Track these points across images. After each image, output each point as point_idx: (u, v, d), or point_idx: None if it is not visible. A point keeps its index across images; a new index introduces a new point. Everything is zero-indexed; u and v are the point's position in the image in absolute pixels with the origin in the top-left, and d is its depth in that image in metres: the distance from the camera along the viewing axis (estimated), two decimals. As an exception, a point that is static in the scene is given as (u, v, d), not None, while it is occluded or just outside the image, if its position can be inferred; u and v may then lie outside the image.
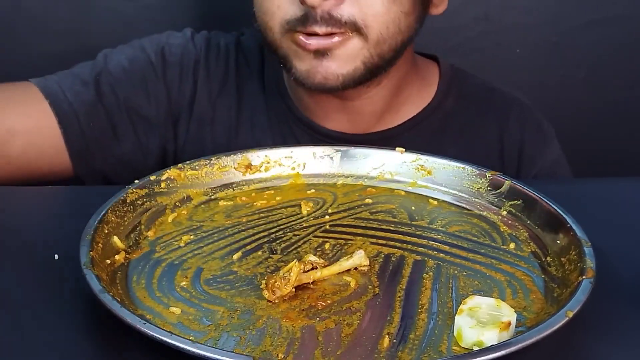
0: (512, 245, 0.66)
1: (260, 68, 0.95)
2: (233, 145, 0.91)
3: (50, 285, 0.59)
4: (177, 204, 0.71)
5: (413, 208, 0.73)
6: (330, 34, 0.77)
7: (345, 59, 0.79)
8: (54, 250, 0.63)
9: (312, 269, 0.60)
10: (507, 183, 0.71)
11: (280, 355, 0.50)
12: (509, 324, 0.52)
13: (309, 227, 0.69)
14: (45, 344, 0.52)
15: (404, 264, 0.63)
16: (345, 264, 0.61)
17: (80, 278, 0.54)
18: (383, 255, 0.64)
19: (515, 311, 0.53)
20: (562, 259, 0.61)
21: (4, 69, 1.06)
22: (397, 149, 0.77)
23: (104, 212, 0.62)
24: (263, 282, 0.58)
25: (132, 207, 0.66)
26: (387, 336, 0.53)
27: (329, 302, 0.57)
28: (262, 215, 0.71)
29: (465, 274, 0.62)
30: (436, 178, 0.76)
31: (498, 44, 1.30)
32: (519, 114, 0.96)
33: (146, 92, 0.91)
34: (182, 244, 0.65)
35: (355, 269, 0.61)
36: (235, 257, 0.63)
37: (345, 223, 0.70)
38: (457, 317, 0.53)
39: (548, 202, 0.67)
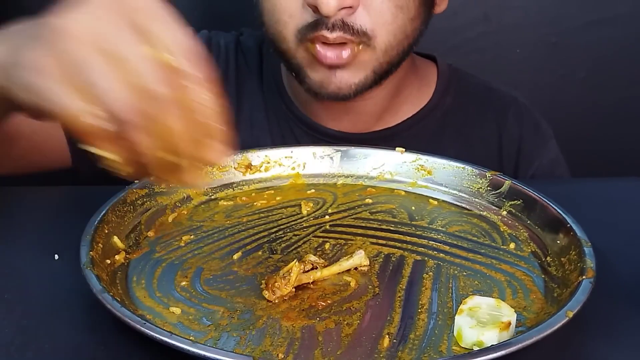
0: (512, 245, 0.66)
1: (259, 68, 0.96)
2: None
3: (50, 285, 0.59)
4: (177, 204, 0.71)
5: (413, 208, 0.73)
6: (340, 44, 0.77)
7: (357, 68, 0.80)
8: (54, 250, 0.63)
9: (312, 269, 0.60)
10: (507, 183, 0.71)
11: (280, 355, 0.50)
12: (509, 324, 0.52)
13: (309, 227, 0.69)
14: (45, 344, 0.52)
15: (404, 264, 0.63)
16: (345, 264, 0.61)
17: (80, 278, 0.54)
18: (383, 255, 0.64)
19: (515, 311, 0.53)
20: (562, 259, 0.61)
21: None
22: (397, 149, 0.77)
23: (104, 212, 0.62)
24: (263, 282, 0.58)
25: (132, 207, 0.66)
26: (387, 336, 0.53)
27: (329, 302, 0.57)
28: (262, 215, 0.71)
29: (465, 274, 0.62)
30: (436, 178, 0.76)
31: (498, 44, 1.31)
32: (517, 113, 0.97)
33: None
34: (182, 244, 0.65)
35: (355, 269, 0.61)
36: (235, 257, 0.63)
37: (345, 223, 0.70)
38: (457, 317, 0.53)
39: (548, 202, 0.67)
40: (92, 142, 0.45)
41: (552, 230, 0.65)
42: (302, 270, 0.58)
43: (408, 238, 0.67)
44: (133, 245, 0.64)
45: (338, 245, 0.65)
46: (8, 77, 0.50)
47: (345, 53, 0.78)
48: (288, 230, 0.68)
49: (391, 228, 0.69)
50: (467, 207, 0.73)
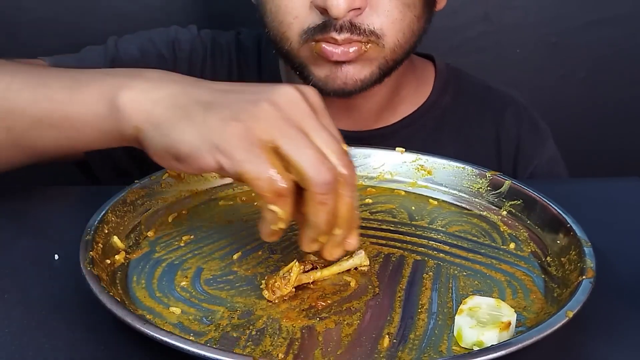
0: (512, 245, 0.66)
1: (258, 67, 0.96)
2: None
3: (50, 285, 0.59)
4: (177, 204, 0.71)
5: (413, 208, 0.73)
6: (348, 42, 0.77)
7: (363, 64, 0.80)
8: (54, 250, 0.63)
9: (312, 269, 0.60)
10: (507, 183, 0.71)
11: (280, 355, 0.50)
12: (509, 324, 0.52)
13: (309, 227, 0.68)
14: (45, 344, 0.52)
15: (404, 264, 0.63)
16: (345, 264, 0.61)
17: (80, 278, 0.54)
18: (383, 255, 0.64)
19: (515, 311, 0.53)
20: (562, 259, 0.61)
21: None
22: (397, 149, 0.77)
23: (104, 212, 0.62)
24: (263, 282, 0.58)
25: (132, 207, 0.66)
26: (387, 336, 0.53)
27: (329, 302, 0.57)
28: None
29: (465, 274, 0.62)
30: (436, 178, 0.76)
31: (498, 44, 1.31)
32: (515, 112, 0.97)
33: None
34: (182, 244, 0.65)
35: (355, 269, 0.61)
36: (235, 257, 0.63)
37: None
38: (457, 317, 0.53)
39: (548, 202, 0.67)
40: (270, 201, 0.51)
41: (552, 230, 0.65)
42: (302, 271, 0.58)
43: (408, 238, 0.67)
44: (133, 245, 0.64)
45: (338, 245, 0.65)
46: (162, 130, 0.54)
47: (352, 49, 0.77)
48: (288, 230, 0.67)
49: (391, 228, 0.69)
50: (467, 207, 0.73)
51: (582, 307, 0.52)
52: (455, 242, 0.67)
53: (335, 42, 0.77)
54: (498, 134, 0.95)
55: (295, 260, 0.58)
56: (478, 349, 0.50)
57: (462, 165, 0.75)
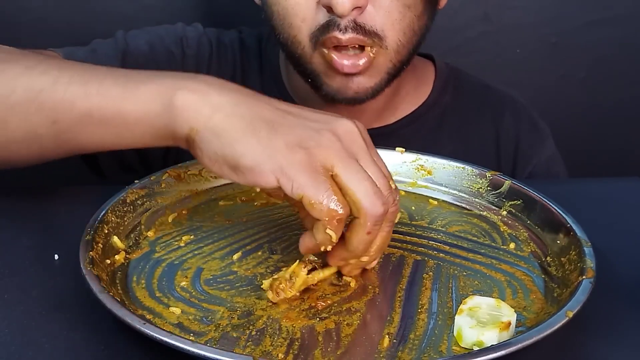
0: (512, 245, 0.66)
1: (259, 66, 0.96)
2: None
3: (50, 285, 0.59)
4: (177, 204, 0.71)
5: (413, 208, 0.73)
6: (355, 53, 0.77)
7: (372, 73, 0.80)
8: (54, 250, 0.63)
9: (312, 269, 0.60)
10: (507, 183, 0.71)
11: (280, 355, 0.50)
12: (509, 324, 0.52)
13: (309, 227, 0.68)
14: (45, 344, 0.52)
15: (404, 264, 0.63)
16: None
17: (80, 278, 0.54)
18: (383, 255, 0.64)
19: (515, 311, 0.53)
20: (562, 259, 0.61)
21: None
22: (397, 148, 0.77)
23: (104, 212, 0.62)
24: (264, 281, 0.58)
25: (132, 207, 0.66)
26: (387, 336, 0.53)
27: (329, 302, 0.57)
28: (262, 215, 0.71)
29: (465, 274, 0.62)
30: (436, 178, 0.76)
31: (498, 44, 1.31)
32: (515, 112, 0.97)
33: None
34: (182, 244, 0.65)
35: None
36: (235, 257, 0.63)
37: (345, 223, 0.69)
38: (457, 317, 0.53)
39: (548, 202, 0.67)
40: (327, 225, 0.54)
41: (552, 230, 0.65)
42: (305, 273, 0.58)
43: (408, 238, 0.67)
44: (133, 245, 0.64)
45: (338, 245, 0.65)
46: (221, 139, 0.55)
47: (362, 61, 0.78)
48: (288, 230, 0.68)
49: (391, 228, 0.69)
50: (467, 207, 0.73)
51: (582, 307, 0.52)
52: (455, 242, 0.67)
53: (341, 43, 0.77)
54: (497, 133, 0.96)
55: (297, 261, 0.58)
56: (478, 349, 0.50)
57: (462, 165, 0.75)
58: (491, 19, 1.29)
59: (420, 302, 0.57)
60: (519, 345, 0.47)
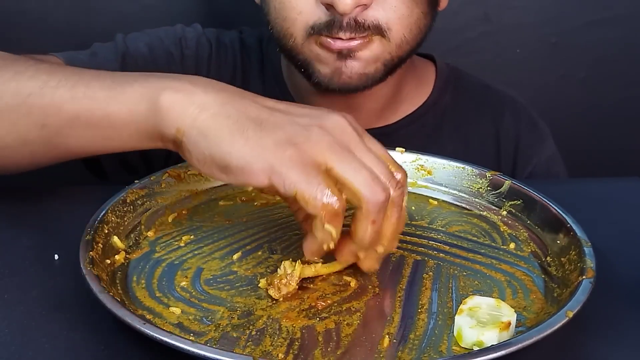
0: (512, 245, 0.66)
1: (261, 66, 0.96)
2: None
3: (50, 285, 0.59)
4: (177, 204, 0.71)
5: (413, 208, 0.73)
6: (352, 38, 0.77)
7: (367, 59, 0.79)
8: (54, 250, 0.63)
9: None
10: (507, 183, 0.71)
11: (280, 355, 0.50)
12: (509, 324, 0.52)
13: (309, 227, 0.68)
14: (45, 344, 0.52)
15: (404, 264, 0.63)
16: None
17: (80, 278, 0.54)
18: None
19: (515, 311, 0.53)
20: (562, 259, 0.61)
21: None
22: (397, 149, 0.77)
23: (104, 212, 0.62)
24: (263, 281, 0.58)
25: (132, 207, 0.66)
26: (387, 336, 0.53)
27: (329, 302, 0.57)
28: (262, 215, 0.71)
29: (465, 274, 0.62)
30: (436, 178, 0.76)
31: (498, 44, 1.31)
32: (514, 112, 0.97)
33: None
34: (182, 244, 0.65)
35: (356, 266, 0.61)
36: (235, 257, 0.63)
37: (345, 223, 0.69)
38: (457, 317, 0.53)
39: (548, 202, 0.67)
40: (325, 220, 0.53)
41: (552, 230, 0.65)
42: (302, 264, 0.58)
43: (408, 238, 0.67)
44: (133, 245, 0.64)
45: (338, 245, 0.65)
46: (209, 138, 0.55)
47: (357, 42, 0.77)
48: (288, 230, 0.68)
49: (391, 228, 0.69)
50: (467, 207, 0.73)
51: (582, 307, 0.52)
52: (455, 242, 0.67)
53: (339, 39, 0.77)
54: (497, 133, 0.96)
55: (290, 260, 0.58)
56: (478, 349, 0.50)
57: (462, 165, 0.75)
58: (491, 19, 1.29)
59: (420, 302, 0.57)
60: (519, 345, 0.47)
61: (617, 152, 1.37)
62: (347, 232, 0.56)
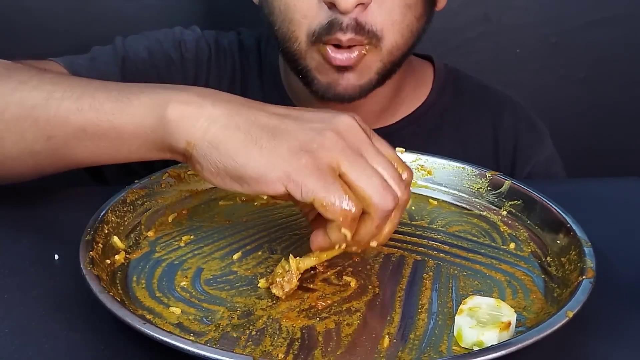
0: (512, 245, 0.66)
1: (259, 67, 0.96)
2: None
3: (50, 285, 0.59)
4: (177, 204, 0.71)
5: (413, 208, 0.73)
6: (351, 46, 0.77)
7: (362, 71, 0.80)
8: (54, 250, 0.63)
9: (310, 269, 0.60)
10: (507, 183, 0.71)
11: (280, 355, 0.50)
12: (509, 324, 0.52)
13: (309, 227, 0.68)
14: (45, 344, 0.52)
15: (404, 264, 0.63)
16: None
17: (80, 278, 0.54)
18: (383, 255, 0.64)
19: (515, 311, 0.53)
20: (562, 259, 0.61)
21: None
22: (397, 148, 0.77)
23: (104, 212, 0.62)
24: (262, 280, 0.58)
25: (132, 207, 0.66)
26: (387, 336, 0.53)
27: (329, 302, 0.57)
28: (262, 215, 0.71)
29: (465, 274, 0.62)
30: (436, 178, 0.76)
31: (498, 44, 1.31)
32: (513, 112, 0.97)
33: None
34: (182, 244, 0.65)
35: (355, 264, 0.61)
36: (235, 257, 0.63)
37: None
38: (457, 317, 0.53)
39: (548, 202, 0.67)
40: (342, 225, 0.53)
41: (552, 230, 0.65)
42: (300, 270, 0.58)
43: (408, 238, 0.67)
44: (133, 245, 0.64)
45: (338, 245, 0.65)
46: (221, 150, 0.55)
47: (353, 55, 0.78)
48: (288, 230, 0.68)
49: (391, 228, 0.69)
50: (467, 207, 0.73)
51: (582, 307, 0.52)
52: (455, 242, 0.67)
53: (341, 44, 0.77)
54: (496, 133, 0.96)
55: (282, 259, 0.58)
56: (478, 349, 0.50)
57: (462, 165, 0.75)
58: (491, 19, 1.29)
59: (420, 302, 0.57)
60: (519, 345, 0.47)
61: (617, 152, 1.37)
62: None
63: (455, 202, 0.74)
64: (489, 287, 0.60)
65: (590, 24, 1.30)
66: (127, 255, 0.61)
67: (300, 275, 0.58)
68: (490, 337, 0.51)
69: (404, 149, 0.77)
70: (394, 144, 0.77)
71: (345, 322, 0.54)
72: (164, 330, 0.48)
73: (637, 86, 1.35)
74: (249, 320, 0.54)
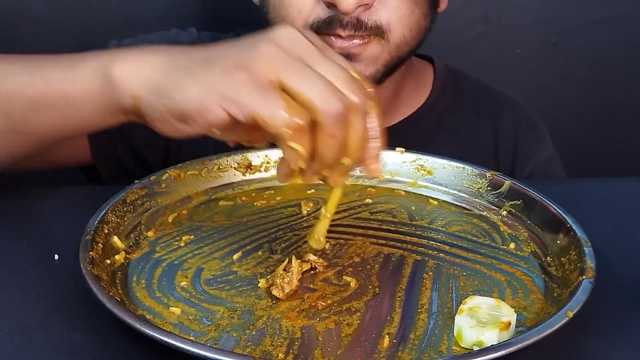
0: (512, 245, 0.66)
1: None
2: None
3: (50, 285, 0.59)
4: (177, 204, 0.71)
5: (413, 208, 0.73)
6: (351, 36, 0.77)
7: (368, 61, 0.79)
8: (54, 250, 0.63)
9: (311, 269, 0.60)
10: (507, 183, 0.71)
11: (280, 355, 0.50)
12: (509, 324, 0.52)
13: (309, 227, 0.68)
14: (45, 344, 0.52)
15: (404, 264, 0.63)
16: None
17: (80, 278, 0.54)
18: (383, 255, 0.64)
19: (515, 311, 0.53)
20: (562, 259, 0.61)
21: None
22: (397, 149, 0.77)
23: (104, 212, 0.62)
24: (262, 281, 0.58)
25: (132, 207, 0.66)
26: (387, 336, 0.53)
27: (329, 302, 0.57)
28: (262, 215, 0.71)
29: (465, 274, 0.62)
30: (436, 178, 0.76)
31: (498, 44, 1.31)
32: (513, 112, 0.97)
33: None
34: (182, 244, 0.65)
35: (354, 262, 0.61)
36: (235, 257, 0.63)
37: (345, 223, 0.70)
38: (457, 317, 0.53)
39: (548, 202, 0.67)
40: (290, 138, 0.49)
41: (552, 230, 0.65)
42: (301, 270, 0.58)
43: (408, 238, 0.67)
44: (133, 245, 0.64)
45: (338, 245, 0.65)
46: (162, 93, 0.53)
47: (353, 42, 0.77)
48: (288, 230, 0.68)
49: (391, 228, 0.69)
50: (467, 207, 0.73)
51: (582, 307, 0.52)
52: (455, 242, 0.67)
53: (340, 38, 0.76)
54: (496, 134, 0.96)
55: (286, 260, 0.58)
56: (478, 349, 0.50)
57: (462, 165, 0.75)
58: (491, 19, 1.29)
59: (420, 302, 0.57)
60: (519, 345, 0.47)
61: (617, 152, 1.37)
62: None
63: (455, 202, 0.74)
64: (489, 287, 0.60)
65: (590, 24, 1.30)
66: (127, 255, 0.61)
67: (300, 276, 0.58)
68: (490, 337, 0.51)
69: (404, 149, 0.77)
70: (393, 146, 0.78)
71: (345, 322, 0.54)
72: (164, 330, 0.48)
73: (637, 86, 1.35)
74: (249, 320, 0.54)
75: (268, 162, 0.76)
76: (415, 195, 0.75)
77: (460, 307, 0.54)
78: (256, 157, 0.76)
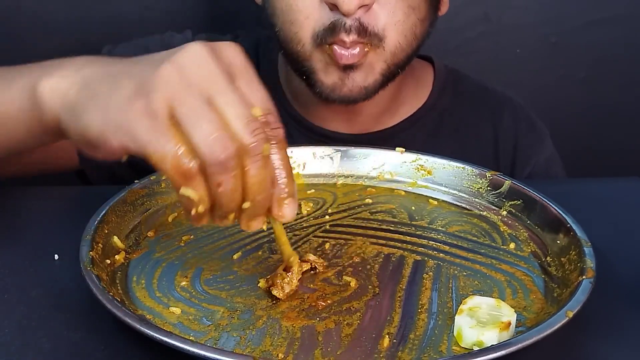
0: (512, 245, 0.66)
1: (256, 70, 0.95)
2: None
3: (50, 285, 0.59)
4: (177, 204, 0.71)
5: (413, 208, 0.73)
6: (355, 43, 0.77)
7: (367, 71, 0.80)
8: (54, 250, 0.63)
9: (311, 269, 0.60)
10: (507, 183, 0.71)
11: (280, 355, 0.50)
12: (509, 324, 0.52)
13: (309, 227, 0.69)
14: (45, 344, 0.52)
15: (404, 264, 0.63)
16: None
17: (80, 278, 0.54)
18: (383, 255, 0.64)
19: (515, 311, 0.53)
20: (562, 259, 0.61)
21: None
22: (397, 149, 0.77)
23: (104, 212, 0.62)
24: (262, 281, 0.58)
25: (132, 207, 0.66)
26: (387, 336, 0.53)
27: (329, 302, 0.57)
28: (262, 215, 0.70)
29: (465, 274, 0.62)
30: (436, 178, 0.76)
31: (498, 44, 1.31)
32: (513, 113, 0.97)
33: None
34: (182, 244, 0.65)
35: (354, 260, 0.61)
36: (235, 257, 0.63)
37: (345, 223, 0.70)
38: (457, 317, 0.53)
39: (548, 202, 0.67)
40: (178, 184, 0.46)
41: (552, 230, 0.65)
42: (301, 270, 0.58)
43: (408, 238, 0.67)
44: (133, 245, 0.64)
45: (338, 245, 0.65)
46: (74, 114, 0.50)
47: (356, 51, 0.77)
48: (288, 230, 0.68)
49: (391, 228, 0.69)
50: (467, 207, 0.73)
51: (582, 307, 0.52)
52: (455, 242, 0.67)
53: (344, 45, 0.76)
54: (496, 134, 0.96)
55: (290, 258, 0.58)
56: (478, 349, 0.50)
57: (462, 165, 0.75)
58: (491, 19, 1.29)
59: (420, 302, 0.57)
60: (519, 345, 0.47)
61: (617, 152, 1.37)
62: None
63: (455, 202, 0.74)
64: (489, 287, 0.60)
65: (590, 24, 1.30)
66: (127, 255, 0.61)
67: (300, 276, 0.58)
68: (490, 337, 0.51)
69: (403, 149, 0.77)
70: (393, 146, 0.78)
71: (345, 322, 0.54)
72: (164, 330, 0.48)
73: (637, 86, 1.35)
74: (249, 320, 0.54)
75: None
76: (415, 195, 0.75)
77: (460, 307, 0.54)
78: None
